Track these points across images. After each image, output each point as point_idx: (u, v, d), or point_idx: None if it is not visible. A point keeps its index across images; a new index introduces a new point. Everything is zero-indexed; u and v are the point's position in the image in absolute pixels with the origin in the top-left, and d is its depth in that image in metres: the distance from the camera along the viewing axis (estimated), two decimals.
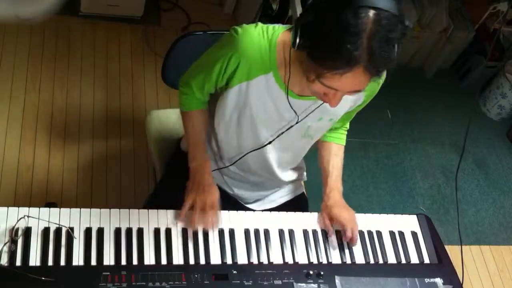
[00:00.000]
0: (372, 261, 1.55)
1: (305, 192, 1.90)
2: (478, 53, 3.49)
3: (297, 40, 1.22)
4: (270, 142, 1.55)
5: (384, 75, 1.49)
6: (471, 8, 3.43)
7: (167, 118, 2.04)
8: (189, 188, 1.54)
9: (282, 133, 1.52)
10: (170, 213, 1.47)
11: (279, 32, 1.38)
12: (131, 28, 3.08)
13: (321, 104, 1.45)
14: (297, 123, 1.48)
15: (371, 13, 1.13)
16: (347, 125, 1.74)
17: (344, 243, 1.56)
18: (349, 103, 1.53)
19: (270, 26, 1.41)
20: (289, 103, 1.43)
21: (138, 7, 3.04)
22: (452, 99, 3.53)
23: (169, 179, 1.81)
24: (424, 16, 3.32)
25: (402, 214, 1.68)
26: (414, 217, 1.69)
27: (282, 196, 1.82)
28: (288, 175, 1.76)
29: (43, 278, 1.25)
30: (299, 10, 2.58)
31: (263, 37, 1.38)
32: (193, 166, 1.57)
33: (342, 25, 1.13)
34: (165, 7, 3.24)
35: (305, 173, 1.86)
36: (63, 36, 2.92)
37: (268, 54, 1.38)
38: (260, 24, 1.41)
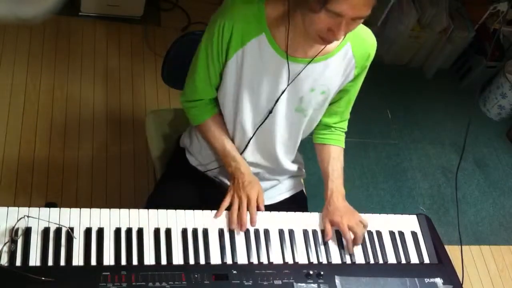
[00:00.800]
0: (372, 261, 1.54)
1: (304, 190, 1.90)
2: (478, 53, 3.49)
3: None
4: (270, 112, 1.55)
5: (373, 50, 1.53)
6: (471, 8, 3.43)
7: (167, 117, 2.04)
8: (229, 189, 1.55)
9: (278, 98, 1.52)
10: (170, 213, 1.47)
11: None
12: (131, 28, 3.08)
13: (307, 63, 1.46)
14: (288, 84, 1.48)
15: None
16: (345, 126, 1.74)
17: (344, 243, 1.56)
18: (340, 76, 1.53)
19: None
20: (288, 62, 1.44)
21: (138, 7, 3.04)
22: (452, 99, 3.54)
23: (169, 179, 1.81)
24: (424, 16, 3.32)
25: (402, 214, 1.68)
26: (414, 217, 1.69)
27: (281, 193, 1.81)
28: (287, 162, 1.74)
29: (43, 278, 1.25)
30: None
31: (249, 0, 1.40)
32: (230, 172, 1.60)
33: None
34: (165, 7, 3.24)
35: (304, 170, 1.86)
36: (63, 36, 2.93)
37: (258, 14, 1.40)
38: None
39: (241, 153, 1.65)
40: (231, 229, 1.48)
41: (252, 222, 1.50)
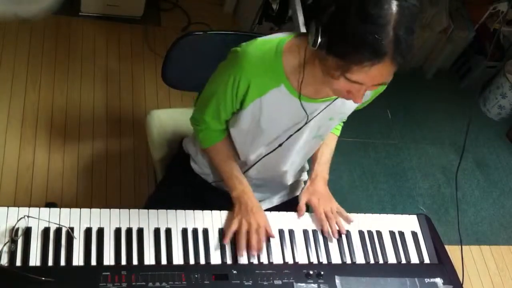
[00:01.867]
0: (372, 261, 1.55)
1: None
2: (478, 53, 3.49)
3: (319, 39, 1.21)
4: (280, 145, 1.55)
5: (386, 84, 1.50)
6: (471, 8, 3.43)
7: (167, 118, 2.04)
8: (235, 213, 1.52)
9: (291, 135, 1.51)
10: (170, 213, 1.47)
11: (281, 41, 1.38)
12: (131, 28, 3.08)
13: (329, 105, 1.45)
14: (306, 123, 1.48)
15: (394, 4, 1.15)
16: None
17: (344, 243, 1.56)
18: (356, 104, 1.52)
19: (268, 38, 1.41)
20: (302, 105, 1.42)
21: (138, 7, 3.04)
22: (452, 99, 3.53)
23: (169, 180, 1.81)
24: (424, 16, 3.32)
25: (402, 214, 1.68)
26: (414, 217, 1.69)
27: (281, 196, 1.82)
28: (292, 179, 1.76)
29: (43, 278, 1.25)
30: (299, 10, 2.58)
31: (265, 52, 1.37)
32: (235, 195, 1.56)
33: (367, 17, 1.14)
34: (165, 7, 3.24)
35: (306, 173, 1.86)
36: (63, 36, 2.92)
37: (275, 66, 1.37)
38: (258, 39, 1.40)
39: (245, 172, 1.64)
40: (238, 255, 1.45)
41: (260, 249, 1.47)
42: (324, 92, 1.42)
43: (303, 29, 2.47)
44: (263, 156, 1.59)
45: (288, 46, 1.37)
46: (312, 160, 1.70)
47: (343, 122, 1.76)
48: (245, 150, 1.60)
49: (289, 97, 1.42)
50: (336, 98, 1.44)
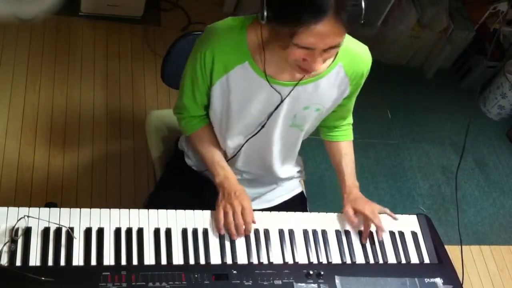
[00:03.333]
0: (372, 261, 1.55)
1: (304, 192, 1.90)
2: (478, 53, 3.49)
3: (265, 13, 1.24)
4: (263, 126, 1.55)
5: (367, 68, 1.52)
6: (471, 8, 3.43)
7: (167, 118, 2.04)
8: (219, 200, 1.52)
9: (272, 113, 1.52)
10: (170, 213, 1.47)
11: (247, 19, 1.42)
12: (131, 28, 3.08)
13: (296, 84, 1.46)
14: (282, 101, 1.48)
15: None
16: (350, 120, 1.74)
17: (344, 243, 1.56)
18: (335, 94, 1.53)
19: (239, 17, 1.44)
20: (271, 85, 1.44)
21: (138, 7, 3.04)
22: (452, 99, 3.53)
23: (169, 179, 1.81)
24: (424, 16, 3.32)
25: (402, 214, 1.68)
26: (414, 217, 1.69)
27: (279, 195, 1.81)
28: (285, 171, 1.76)
29: (43, 278, 1.25)
30: None
31: (231, 27, 1.41)
32: (218, 181, 1.57)
33: None
34: (165, 7, 3.24)
35: (304, 171, 1.86)
36: (63, 36, 2.93)
37: (239, 42, 1.40)
38: (229, 17, 1.44)
39: (228, 161, 1.65)
40: (232, 240, 1.46)
41: (247, 231, 1.48)
42: (288, 73, 1.44)
43: None
44: (245, 142, 1.60)
45: (252, 24, 1.40)
46: (337, 173, 1.71)
47: (351, 124, 1.76)
48: (222, 134, 1.61)
49: (255, 76, 1.44)
50: (303, 83, 1.46)
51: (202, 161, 1.68)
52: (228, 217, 1.47)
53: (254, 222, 1.50)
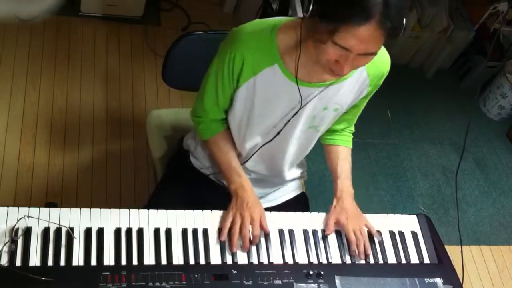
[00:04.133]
0: (372, 261, 1.54)
1: (305, 192, 1.90)
2: (478, 53, 3.49)
3: (311, 6, 1.23)
4: (278, 133, 1.55)
5: (387, 68, 1.52)
6: (471, 8, 3.44)
7: (167, 117, 2.04)
8: (230, 207, 1.52)
9: (289, 121, 1.52)
10: (170, 213, 1.47)
11: (278, 21, 1.41)
12: (131, 28, 3.08)
13: (323, 90, 1.46)
14: (301, 108, 1.48)
15: None
16: (352, 128, 1.74)
17: (344, 243, 1.56)
18: (354, 94, 1.53)
19: (267, 19, 1.43)
20: (297, 86, 1.43)
21: (138, 7, 3.04)
22: (452, 99, 3.54)
23: (169, 179, 1.81)
24: (424, 16, 3.32)
25: (402, 214, 1.68)
26: (414, 217, 1.69)
27: (282, 195, 1.81)
28: (291, 173, 1.76)
29: (43, 278, 1.25)
30: (299, 10, 2.58)
31: (262, 29, 1.40)
32: (233, 188, 1.56)
33: None
34: (165, 7, 3.24)
35: (306, 172, 1.86)
36: (63, 36, 2.93)
37: (269, 44, 1.39)
38: (256, 19, 1.44)
39: (243, 164, 1.64)
40: (232, 251, 1.45)
41: (253, 243, 1.47)
42: (317, 76, 1.43)
43: None
44: (261, 146, 1.59)
45: (284, 26, 1.40)
46: (333, 177, 1.68)
47: (352, 133, 1.75)
48: (240, 137, 1.60)
49: (283, 79, 1.43)
50: (330, 84, 1.45)
51: (217, 165, 1.66)
52: (234, 227, 1.46)
53: (266, 232, 1.49)
